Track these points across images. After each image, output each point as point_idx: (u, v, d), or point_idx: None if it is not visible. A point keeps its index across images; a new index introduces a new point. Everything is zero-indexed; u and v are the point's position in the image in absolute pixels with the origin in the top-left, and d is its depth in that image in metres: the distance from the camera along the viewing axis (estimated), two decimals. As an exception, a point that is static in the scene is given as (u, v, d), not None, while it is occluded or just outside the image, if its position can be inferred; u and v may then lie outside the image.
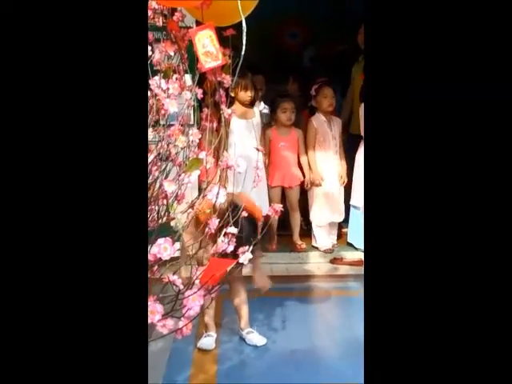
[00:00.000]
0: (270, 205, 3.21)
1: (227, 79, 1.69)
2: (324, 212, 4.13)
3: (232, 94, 3.56)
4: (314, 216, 4.16)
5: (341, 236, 4.33)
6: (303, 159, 4.10)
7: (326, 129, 4.09)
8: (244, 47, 1.56)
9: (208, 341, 2.63)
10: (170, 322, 1.35)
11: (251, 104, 3.80)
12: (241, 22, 1.69)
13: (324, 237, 4.17)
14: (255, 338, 2.67)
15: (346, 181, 4.14)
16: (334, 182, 4.12)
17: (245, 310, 2.71)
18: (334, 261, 3.92)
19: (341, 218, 4.20)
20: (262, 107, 4.04)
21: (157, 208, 1.60)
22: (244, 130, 3.71)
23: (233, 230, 1.54)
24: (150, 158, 1.59)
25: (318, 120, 4.09)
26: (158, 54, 1.60)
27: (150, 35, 1.69)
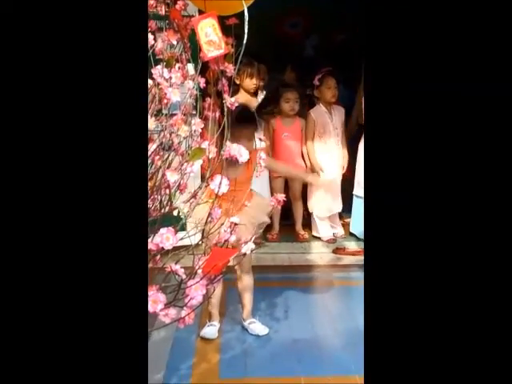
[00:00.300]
0: (271, 195, 3.22)
1: (230, 68, 1.68)
2: (324, 202, 4.13)
3: (237, 82, 3.56)
4: (313, 206, 4.16)
5: (343, 226, 4.34)
6: (305, 149, 4.10)
7: (327, 120, 4.08)
8: (246, 36, 1.56)
9: (211, 330, 2.65)
10: (172, 312, 1.36)
11: (255, 92, 3.81)
12: (243, 11, 1.68)
13: (325, 227, 4.17)
14: (257, 327, 2.68)
15: (345, 169, 4.14)
16: (334, 172, 4.11)
17: (247, 299, 2.72)
18: (336, 251, 3.93)
19: (339, 208, 4.20)
20: (263, 96, 4.03)
21: (159, 198, 1.60)
22: (247, 119, 3.71)
23: (235, 219, 1.54)
24: (153, 147, 1.58)
25: (318, 111, 4.08)
26: (161, 43, 1.59)
27: (153, 24, 1.68)
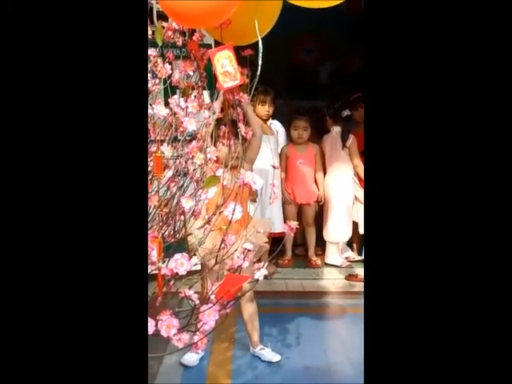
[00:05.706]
0: (284, 222, 3.22)
1: (245, 98, 1.72)
2: (340, 227, 4.14)
3: (250, 108, 3.61)
4: (328, 232, 4.17)
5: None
6: (319, 175, 4.12)
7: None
8: (259, 67, 1.59)
9: (192, 357, 2.60)
10: (185, 336, 1.37)
11: (267, 120, 3.86)
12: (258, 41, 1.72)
13: (338, 253, 4.18)
14: (269, 353, 2.66)
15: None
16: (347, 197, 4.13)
17: (254, 327, 2.68)
18: (349, 277, 3.92)
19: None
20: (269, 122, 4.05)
21: (174, 223, 1.63)
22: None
23: (248, 245, 1.56)
24: (169, 174, 1.62)
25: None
26: (178, 73, 1.64)
27: (171, 54, 1.74)
